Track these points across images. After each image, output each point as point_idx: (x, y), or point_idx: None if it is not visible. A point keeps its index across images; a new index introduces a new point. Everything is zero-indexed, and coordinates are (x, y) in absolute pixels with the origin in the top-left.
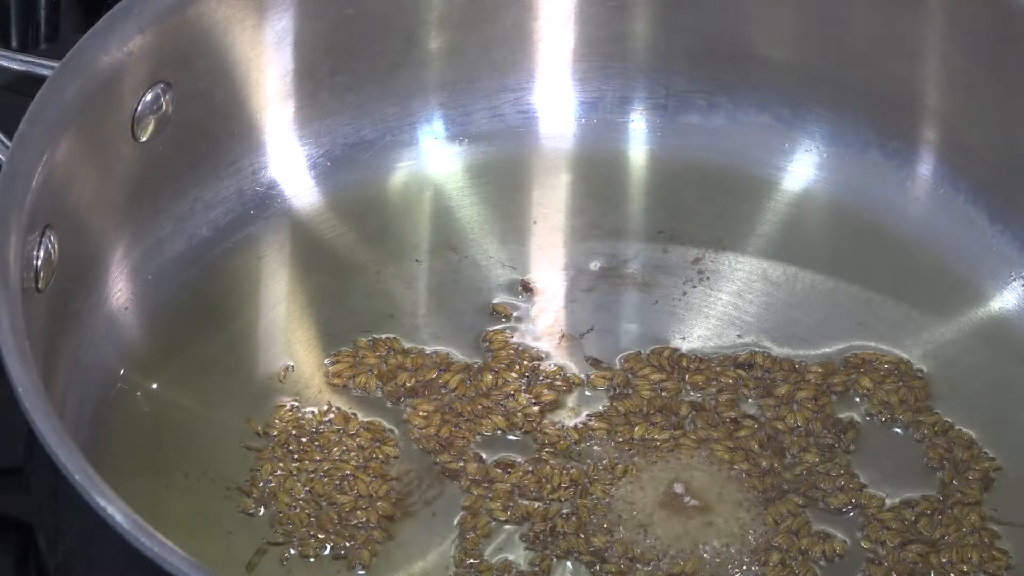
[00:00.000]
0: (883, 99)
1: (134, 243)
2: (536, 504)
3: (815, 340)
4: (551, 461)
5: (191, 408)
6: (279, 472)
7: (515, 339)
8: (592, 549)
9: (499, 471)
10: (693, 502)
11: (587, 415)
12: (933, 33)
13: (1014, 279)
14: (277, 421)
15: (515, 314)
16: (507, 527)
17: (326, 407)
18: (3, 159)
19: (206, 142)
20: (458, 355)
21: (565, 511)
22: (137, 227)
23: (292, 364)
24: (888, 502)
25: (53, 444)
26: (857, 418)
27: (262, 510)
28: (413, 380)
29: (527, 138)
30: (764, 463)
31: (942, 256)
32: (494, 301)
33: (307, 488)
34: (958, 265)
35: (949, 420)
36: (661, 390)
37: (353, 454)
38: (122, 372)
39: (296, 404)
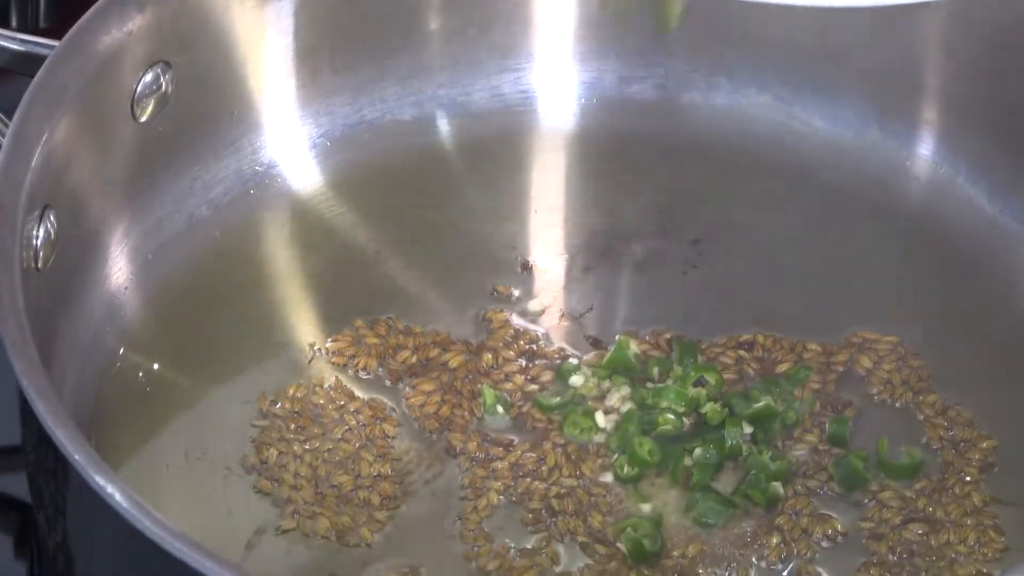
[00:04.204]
0: (883, 79)
1: (134, 223)
2: (535, 483)
3: (815, 320)
4: (549, 440)
5: (191, 388)
6: (281, 451)
7: (515, 319)
8: (589, 530)
9: (499, 450)
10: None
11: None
12: (933, 13)
13: (1013, 257)
14: (278, 401)
15: (515, 294)
16: (507, 507)
17: (327, 387)
18: (3, 139)
19: (206, 122)
20: (458, 334)
21: (563, 491)
22: (137, 207)
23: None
24: (888, 482)
25: (52, 424)
26: (857, 398)
27: (263, 489)
28: (413, 359)
29: (527, 118)
30: None
31: (942, 235)
32: (494, 281)
33: (309, 467)
34: (958, 244)
35: (949, 400)
36: None
37: (355, 433)
38: (122, 352)
39: (297, 383)
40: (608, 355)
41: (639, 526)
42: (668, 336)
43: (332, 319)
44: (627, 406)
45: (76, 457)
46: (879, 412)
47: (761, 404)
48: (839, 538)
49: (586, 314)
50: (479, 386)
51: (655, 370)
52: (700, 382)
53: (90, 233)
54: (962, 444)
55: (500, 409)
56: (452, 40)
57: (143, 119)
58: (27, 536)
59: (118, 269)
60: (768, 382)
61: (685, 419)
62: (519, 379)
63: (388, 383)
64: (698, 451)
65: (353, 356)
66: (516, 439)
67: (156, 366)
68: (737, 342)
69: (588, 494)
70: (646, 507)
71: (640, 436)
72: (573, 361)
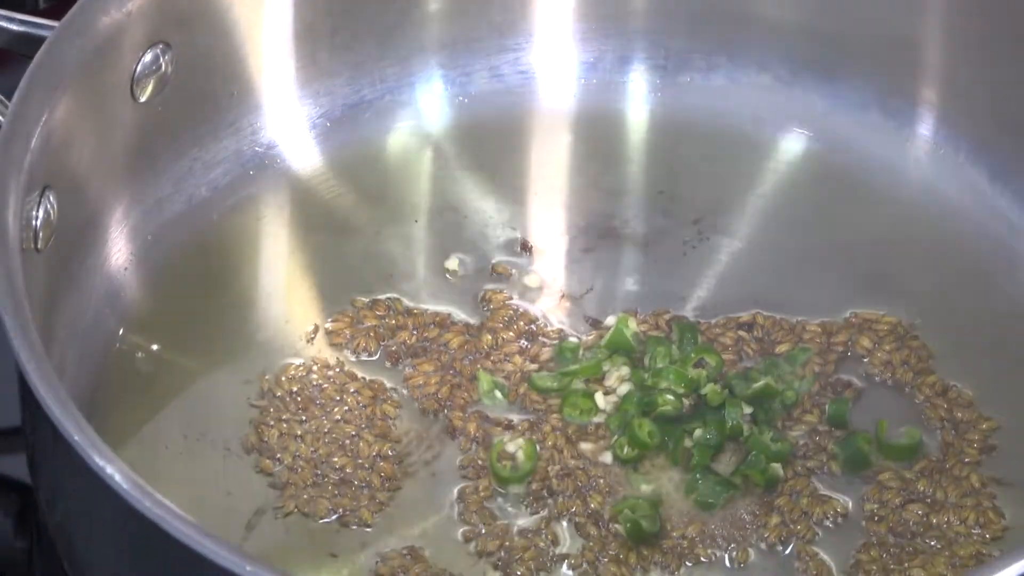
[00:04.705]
0: (883, 59)
1: (133, 203)
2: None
3: (815, 301)
4: (548, 421)
5: (190, 369)
6: (280, 432)
7: (514, 299)
8: (589, 511)
9: (499, 431)
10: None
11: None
12: None
13: (1013, 239)
14: (278, 381)
15: (515, 274)
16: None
17: (326, 367)
18: (2, 119)
19: (205, 102)
20: (457, 315)
21: (563, 472)
22: (136, 187)
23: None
24: (887, 463)
25: (52, 405)
26: (857, 379)
27: (263, 470)
28: (413, 340)
29: (527, 98)
30: None
31: (942, 216)
32: (494, 261)
33: (309, 448)
34: (958, 225)
35: (949, 380)
36: None
37: (354, 414)
38: (121, 332)
39: (297, 364)
40: (607, 335)
41: (638, 507)
42: (668, 317)
43: (332, 300)
44: (626, 387)
45: (75, 438)
46: (879, 393)
47: (761, 384)
48: (839, 519)
49: (586, 295)
50: (478, 368)
51: (647, 358)
52: (700, 363)
53: (89, 214)
54: (962, 425)
55: (498, 394)
56: (452, 20)
57: (142, 100)
58: (27, 517)
59: (118, 250)
60: (768, 363)
61: (685, 400)
62: (519, 360)
63: (388, 364)
64: (698, 432)
65: (353, 337)
66: (515, 420)
67: (155, 347)
68: (737, 323)
69: (588, 475)
70: (646, 488)
71: (640, 417)
72: (573, 340)
